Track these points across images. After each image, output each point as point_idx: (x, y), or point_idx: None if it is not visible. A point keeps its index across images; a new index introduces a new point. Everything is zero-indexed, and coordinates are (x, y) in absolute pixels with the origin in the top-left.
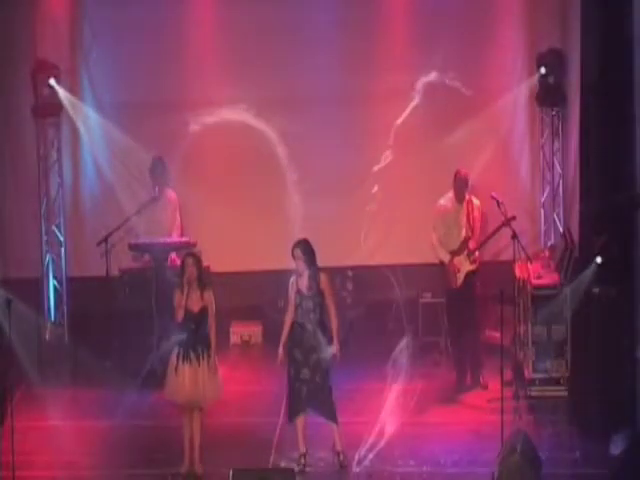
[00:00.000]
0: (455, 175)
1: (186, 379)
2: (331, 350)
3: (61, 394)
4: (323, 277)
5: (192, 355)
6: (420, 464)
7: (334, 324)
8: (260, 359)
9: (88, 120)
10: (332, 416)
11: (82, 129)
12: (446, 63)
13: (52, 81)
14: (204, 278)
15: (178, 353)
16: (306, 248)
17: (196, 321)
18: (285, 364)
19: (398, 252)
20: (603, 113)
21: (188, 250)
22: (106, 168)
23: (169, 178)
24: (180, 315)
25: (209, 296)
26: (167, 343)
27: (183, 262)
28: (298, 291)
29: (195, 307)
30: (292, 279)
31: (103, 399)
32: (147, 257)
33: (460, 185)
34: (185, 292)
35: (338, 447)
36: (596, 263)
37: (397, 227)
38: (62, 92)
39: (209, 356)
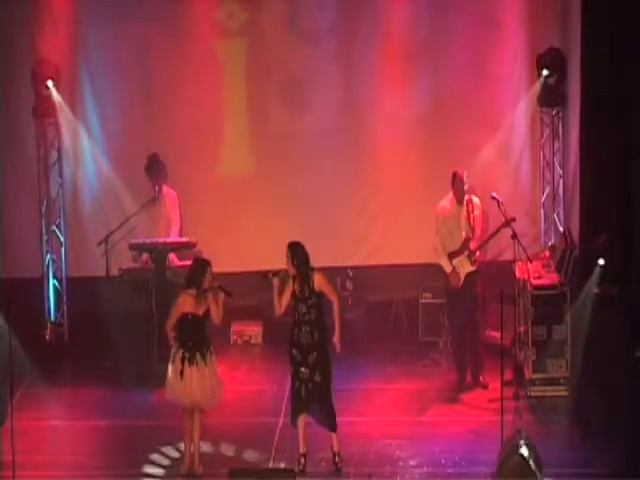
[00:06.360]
0: (453, 176)
1: (194, 382)
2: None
3: (61, 394)
4: (318, 277)
5: (199, 357)
6: (420, 464)
7: (336, 319)
8: (260, 359)
9: (82, 126)
10: (331, 423)
11: (67, 135)
12: (446, 64)
13: (50, 83)
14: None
15: (183, 357)
16: (295, 251)
17: (201, 324)
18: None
19: (398, 252)
20: (603, 113)
21: (187, 250)
22: (106, 168)
23: (167, 176)
24: (192, 320)
25: (210, 297)
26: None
27: (202, 268)
28: (293, 293)
29: (200, 310)
30: (289, 282)
31: (103, 399)
32: (147, 257)
33: (459, 186)
34: (197, 298)
35: (335, 448)
36: (599, 265)
37: (397, 227)
38: (57, 97)
39: (211, 356)
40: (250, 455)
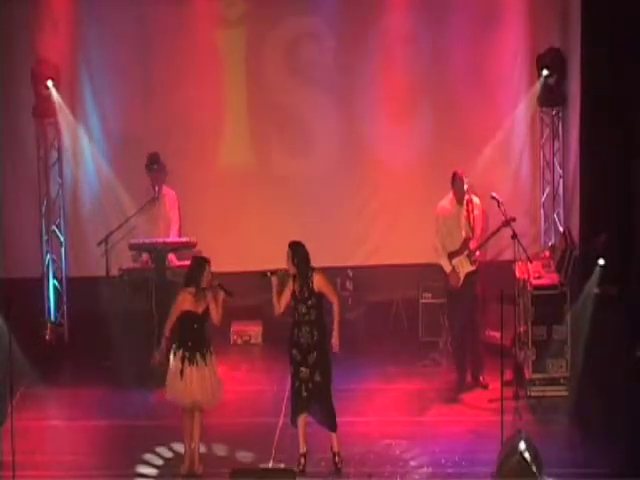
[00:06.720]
0: (453, 176)
1: (194, 382)
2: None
3: (61, 394)
4: (317, 278)
5: (199, 357)
6: (420, 464)
7: (335, 319)
8: (260, 359)
9: (82, 126)
10: (331, 423)
11: (67, 135)
12: (446, 64)
13: (50, 83)
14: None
15: (183, 357)
16: (296, 250)
17: (200, 322)
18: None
19: (398, 252)
20: (603, 113)
21: (187, 250)
22: (106, 168)
23: (166, 175)
24: (192, 319)
25: (210, 296)
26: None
27: (201, 267)
28: (293, 293)
29: (199, 309)
30: (289, 282)
31: (103, 399)
32: (146, 257)
33: (459, 186)
34: (196, 297)
35: (335, 448)
36: (599, 265)
37: (397, 227)
38: (57, 97)
39: (211, 355)
40: (250, 455)
